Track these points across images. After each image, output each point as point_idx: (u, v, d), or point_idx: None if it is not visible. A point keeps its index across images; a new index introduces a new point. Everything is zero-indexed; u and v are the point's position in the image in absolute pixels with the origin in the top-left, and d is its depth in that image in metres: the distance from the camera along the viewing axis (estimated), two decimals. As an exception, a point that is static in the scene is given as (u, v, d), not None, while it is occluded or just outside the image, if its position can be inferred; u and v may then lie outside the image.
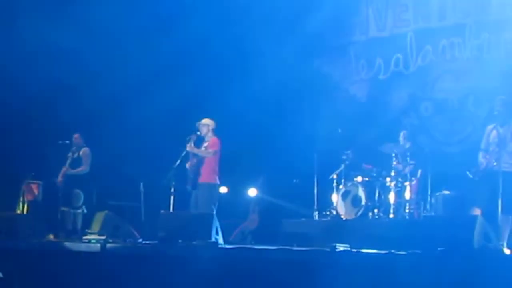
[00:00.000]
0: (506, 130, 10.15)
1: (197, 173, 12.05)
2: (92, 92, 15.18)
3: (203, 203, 11.93)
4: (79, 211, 13.39)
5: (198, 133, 12.22)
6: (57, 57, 15.01)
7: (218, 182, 12.28)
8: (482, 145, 10.62)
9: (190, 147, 12.03)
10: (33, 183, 14.57)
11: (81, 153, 13.70)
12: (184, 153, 12.08)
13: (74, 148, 13.77)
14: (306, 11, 15.91)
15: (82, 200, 13.38)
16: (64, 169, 13.61)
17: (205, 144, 12.21)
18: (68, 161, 13.66)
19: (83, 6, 15.05)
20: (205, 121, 12.30)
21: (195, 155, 12.11)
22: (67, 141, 13.85)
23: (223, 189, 13.45)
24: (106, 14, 14.78)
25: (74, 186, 13.47)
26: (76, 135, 13.83)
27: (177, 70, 15.26)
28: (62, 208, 13.47)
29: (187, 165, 12.12)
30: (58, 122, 14.95)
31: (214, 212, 11.62)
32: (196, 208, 11.89)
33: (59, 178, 13.64)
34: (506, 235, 9.85)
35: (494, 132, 10.26)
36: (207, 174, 12.07)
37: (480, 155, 10.58)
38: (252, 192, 15.15)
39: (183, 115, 14.40)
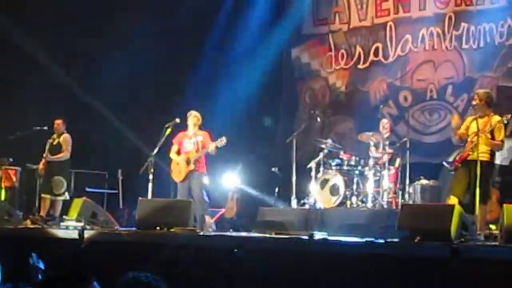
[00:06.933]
0: (486, 121, 10.22)
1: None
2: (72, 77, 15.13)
3: (198, 191, 12.08)
4: (61, 198, 13.32)
5: (177, 120, 12.15)
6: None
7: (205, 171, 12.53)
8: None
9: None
10: (11, 169, 14.47)
11: (61, 139, 13.59)
12: (161, 141, 12.02)
13: (54, 134, 13.67)
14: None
15: (64, 187, 13.31)
16: (44, 156, 13.52)
17: (199, 138, 12.19)
18: (47, 148, 13.55)
19: None
20: (197, 114, 12.30)
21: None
22: (45, 127, 13.75)
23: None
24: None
25: (54, 172, 13.38)
26: (58, 121, 13.68)
27: (159, 61, 15.19)
28: (43, 195, 13.39)
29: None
30: (37, 107, 14.85)
31: (207, 200, 12.12)
32: (190, 196, 11.95)
33: (40, 166, 13.55)
34: (483, 224, 9.92)
35: (474, 123, 10.31)
36: (202, 165, 12.27)
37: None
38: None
39: (162, 101, 14.40)
